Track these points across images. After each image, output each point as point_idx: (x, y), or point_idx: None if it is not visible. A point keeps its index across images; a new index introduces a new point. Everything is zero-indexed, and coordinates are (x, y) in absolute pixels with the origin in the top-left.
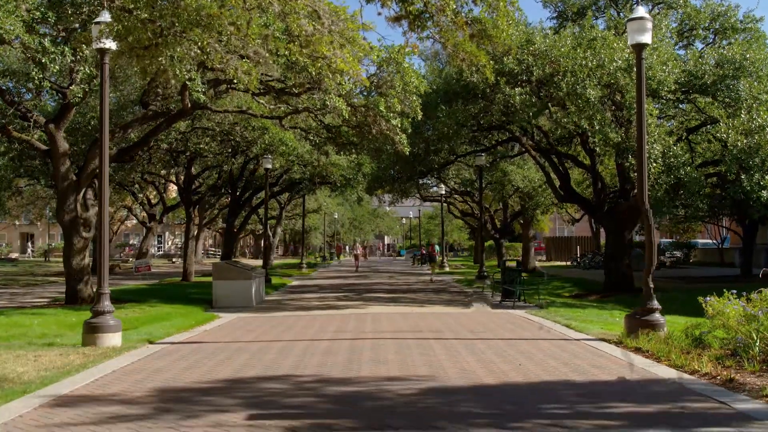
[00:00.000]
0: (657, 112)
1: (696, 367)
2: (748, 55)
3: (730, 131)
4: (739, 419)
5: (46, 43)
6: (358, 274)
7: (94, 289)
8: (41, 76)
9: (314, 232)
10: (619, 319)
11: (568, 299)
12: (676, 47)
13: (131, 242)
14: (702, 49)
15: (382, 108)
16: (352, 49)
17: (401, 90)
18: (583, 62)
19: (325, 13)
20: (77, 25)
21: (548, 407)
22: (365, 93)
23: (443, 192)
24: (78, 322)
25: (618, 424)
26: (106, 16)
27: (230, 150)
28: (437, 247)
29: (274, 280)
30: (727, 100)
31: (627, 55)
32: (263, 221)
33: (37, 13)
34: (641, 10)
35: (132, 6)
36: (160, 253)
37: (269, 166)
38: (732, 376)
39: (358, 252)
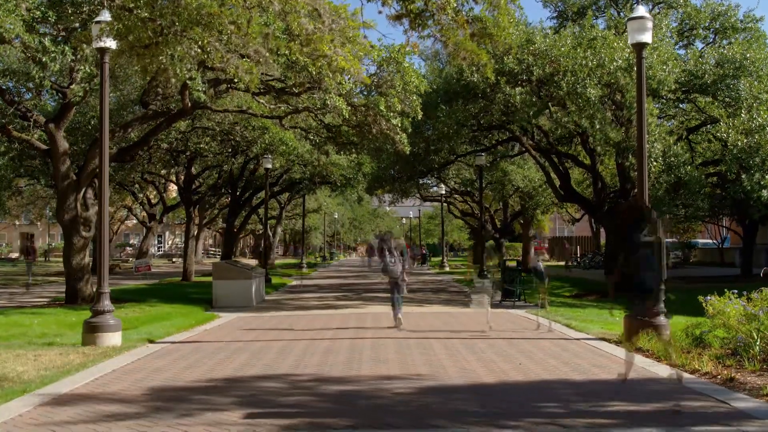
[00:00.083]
0: (657, 111)
1: (696, 366)
2: (748, 55)
3: (730, 131)
4: (738, 418)
5: (47, 42)
6: (357, 275)
7: (94, 289)
8: (41, 75)
9: (314, 232)
10: (619, 318)
11: (567, 299)
12: (677, 47)
13: (131, 242)
14: (702, 48)
15: (382, 107)
16: (352, 48)
17: (401, 89)
18: (584, 62)
19: (325, 12)
20: (77, 24)
21: (547, 406)
22: (365, 92)
23: (443, 192)
24: (78, 321)
25: (614, 423)
26: (106, 15)
27: (230, 150)
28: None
29: (275, 280)
30: (727, 99)
31: (627, 55)
32: (263, 221)
33: (38, 12)
34: (641, 10)
35: (132, 5)
36: (160, 252)
37: (269, 165)
38: (732, 375)
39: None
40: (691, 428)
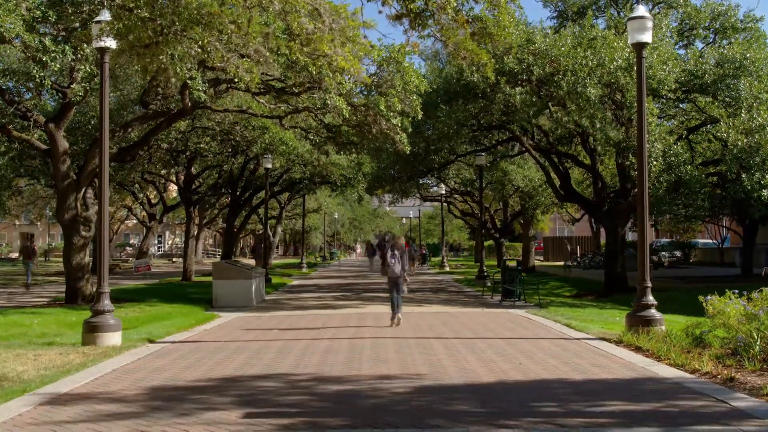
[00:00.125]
0: (657, 111)
1: (696, 366)
2: (748, 55)
3: (730, 130)
4: (738, 417)
5: (47, 41)
6: (357, 274)
7: (94, 289)
8: (41, 75)
9: (314, 232)
10: (619, 318)
11: (567, 299)
12: (677, 47)
13: (131, 242)
14: (702, 48)
15: (382, 107)
16: (352, 47)
17: (401, 89)
18: (584, 61)
19: (325, 12)
20: (77, 24)
21: (545, 405)
22: (365, 92)
23: (443, 192)
24: (78, 321)
25: (611, 422)
26: (106, 15)
27: (230, 149)
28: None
29: (274, 280)
30: (727, 99)
31: (627, 55)
32: (263, 221)
33: (38, 12)
34: (641, 9)
35: (132, 4)
36: (160, 252)
37: (269, 165)
38: (732, 375)
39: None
40: (691, 427)
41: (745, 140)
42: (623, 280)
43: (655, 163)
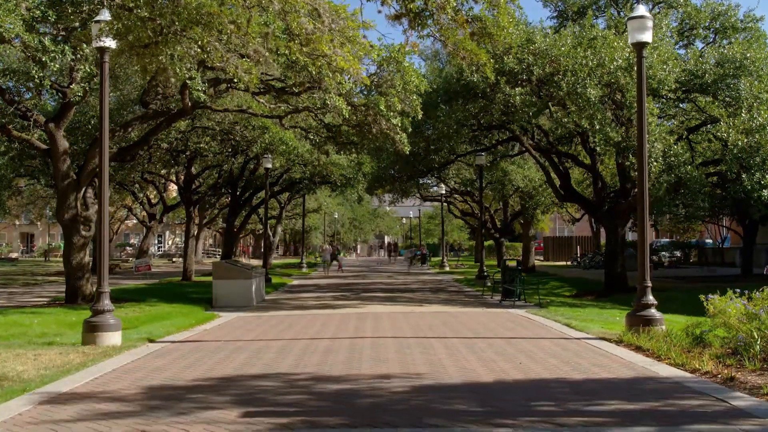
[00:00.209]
0: (657, 111)
1: (697, 365)
2: (748, 54)
3: (730, 130)
4: (738, 416)
5: (46, 41)
6: (356, 274)
7: (94, 288)
8: (41, 74)
9: (314, 231)
10: (619, 318)
11: (567, 299)
12: (677, 46)
13: (131, 242)
14: (702, 48)
15: (382, 107)
16: (352, 47)
17: (401, 89)
18: (584, 61)
19: (325, 12)
20: (77, 24)
21: (544, 405)
22: (365, 92)
23: (443, 192)
24: (78, 321)
25: (610, 421)
26: (105, 15)
27: (230, 149)
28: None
29: (274, 280)
30: (727, 99)
31: (627, 54)
32: (263, 221)
33: (37, 12)
34: (642, 9)
35: (132, 4)
36: (161, 252)
37: (269, 165)
38: (733, 374)
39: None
40: (691, 426)
41: (746, 140)
42: (623, 280)
43: (655, 163)
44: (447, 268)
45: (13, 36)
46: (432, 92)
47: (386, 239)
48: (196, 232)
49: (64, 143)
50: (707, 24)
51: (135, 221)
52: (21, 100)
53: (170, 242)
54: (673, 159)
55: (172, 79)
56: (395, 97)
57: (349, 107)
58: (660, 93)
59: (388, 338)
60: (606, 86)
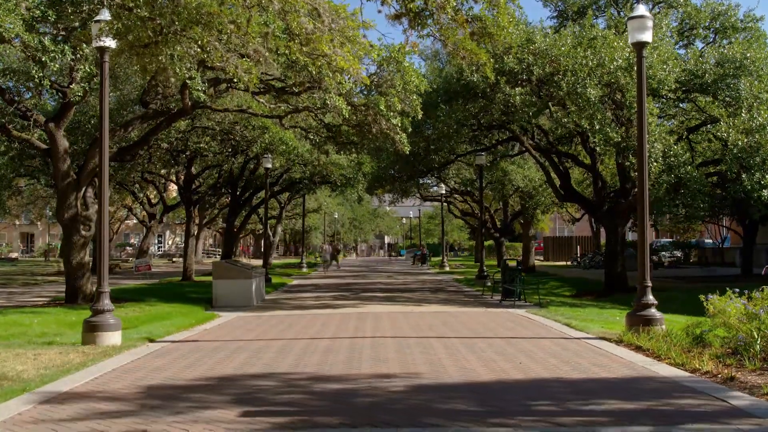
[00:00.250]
0: (657, 111)
1: (697, 365)
2: (748, 54)
3: (730, 130)
4: (738, 416)
5: (46, 41)
6: (356, 274)
7: (94, 288)
8: (41, 74)
9: (314, 231)
10: (619, 318)
11: (567, 299)
12: (677, 46)
13: (131, 242)
14: (702, 48)
15: (382, 107)
16: (352, 47)
17: (401, 89)
18: (584, 61)
19: (325, 11)
20: (77, 24)
21: (544, 404)
22: (365, 92)
23: (443, 192)
24: (78, 320)
25: (609, 420)
26: (105, 14)
27: (230, 149)
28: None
29: (274, 280)
30: (727, 99)
31: (627, 54)
32: (263, 221)
33: (37, 12)
34: (642, 9)
35: (132, 4)
36: (161, 252)
37: (269, 165)
38: (733, 374)
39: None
40: (690, 426)
41: (746, 140)
42: (623, 280)
43: (655, 163)
44: (447, 268)
45: (13, 36)
46: (432, 92)
47: (386, 239)
48: (196, 232)
49: (64, 143)
50: (707, 24)
51: (135, 221)
52: (21, 99)
53: (170, 242)
54: (673, 159)
55: (172, 79)
56: (395, 97)
57: (349, 107)
58: (660, 93)
59: (388, 338)
60: (606, 86)
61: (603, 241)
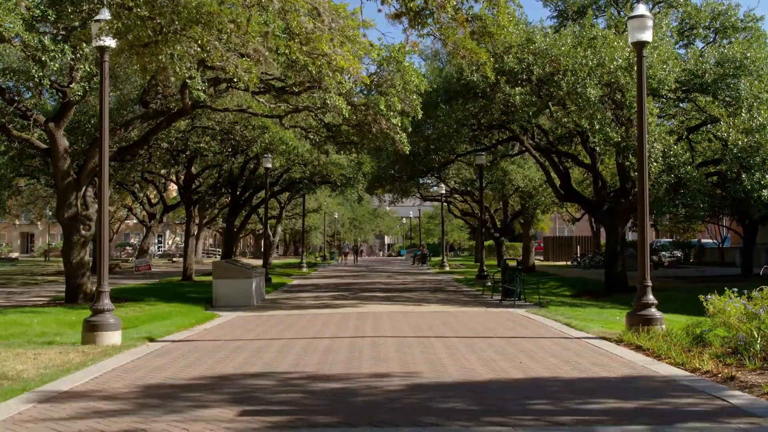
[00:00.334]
0: (657, 111)
1: (697, 365)
2: (748, 54)
3: (730, 130)
4: (737, 415)
5: (46, 41)
6: (356, 274)
7: (94, 288)
8: (41, 74)
9: (314, 231)
10: (619, 318)
11: (567, 298)
12: (677, 46)
13: (131, 241)
14: (702, 47)
15: (382, 107)
16: (352, 47)
17: (401, 89)
18: (584, 61)
19: (325, 11)
20: (77, 23)
21: (543, 403)
22: (365, 92)
23: (443, 191)
24: (78, 320)
25: (609, 420)
26: (105, 14)
27: (230, 149)
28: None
29: (275, 280)
30: (727, 99)
31: (627, 54)
32: (263, 221)
33: (37, 11)
34: (642, 8)
35: (131, 3)
36: (161, 252)
37: (269, 165)
38: (733, 374)
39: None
40: (690, 425)
41: (746, 140)
42: (623, 280)
43: (654, 164)
44: (447, 268)
45: (12, 35)
46: (432, 92)
47: (386, 239)
48: (196, 232)
49: (64, 142)
50: (707, 24)
51: (135, 221)
52: (21, 99)
53: (170, 242)
54: (673, 159)
55: (172, 79)
56: (395, 97)
57: (349, 107)
58: (660, 93)
59: (388, 338)
60: (606, 86)
61: (603, 241)
